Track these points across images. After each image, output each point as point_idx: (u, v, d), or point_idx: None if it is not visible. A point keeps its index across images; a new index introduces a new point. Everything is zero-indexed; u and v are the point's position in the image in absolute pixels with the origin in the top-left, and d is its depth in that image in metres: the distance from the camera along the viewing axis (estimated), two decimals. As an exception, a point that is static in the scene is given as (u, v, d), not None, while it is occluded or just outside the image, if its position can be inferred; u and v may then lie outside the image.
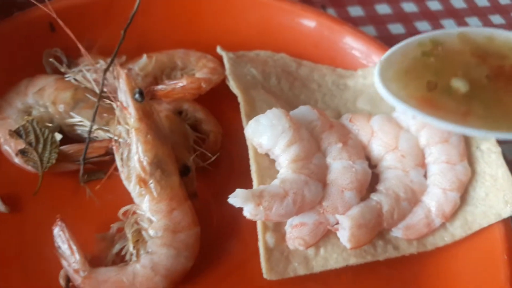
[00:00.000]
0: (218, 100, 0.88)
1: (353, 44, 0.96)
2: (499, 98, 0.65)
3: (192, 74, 0.87)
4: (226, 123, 0.87)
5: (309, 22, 0.99)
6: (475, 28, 0.71)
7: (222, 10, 0.99)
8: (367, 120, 0.78)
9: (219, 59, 0.90)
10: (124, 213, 0.71)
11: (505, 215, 0.73)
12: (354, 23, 1.15)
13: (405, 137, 0.76)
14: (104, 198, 0.75)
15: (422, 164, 0.76)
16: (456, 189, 0.74)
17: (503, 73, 0.66)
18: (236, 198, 0.64)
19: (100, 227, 0.72)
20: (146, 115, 0.70)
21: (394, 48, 0.68)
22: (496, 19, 1.26)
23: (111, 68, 0.77)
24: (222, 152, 0.83)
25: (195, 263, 0.70)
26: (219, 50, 0.89)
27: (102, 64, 0.83)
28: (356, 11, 1.21)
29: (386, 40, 1.09)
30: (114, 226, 0.70)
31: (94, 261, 0.69)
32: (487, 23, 1.24)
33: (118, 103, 0.71)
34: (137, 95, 0.69)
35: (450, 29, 0.72)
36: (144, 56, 0.85)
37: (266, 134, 0.71)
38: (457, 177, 0.74)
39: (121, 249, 0.70)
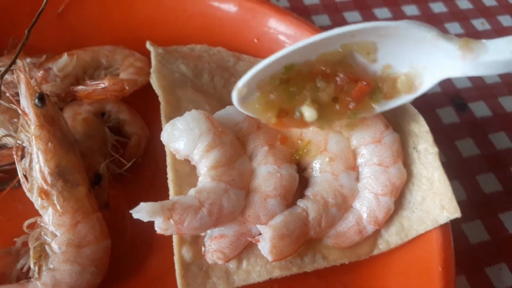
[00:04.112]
0: (148, 100, 0.82)
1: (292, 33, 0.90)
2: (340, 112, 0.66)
3: (117, 73, 0.81)
4: (156, 125, 0.80)
5: (251, 13, 0.93)
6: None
7: (158, 1, 0.93)
8: (297, 121, 0.73)
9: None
10: (31, 226, 0.66)
11: (442, 221, 0.68)
12: (307, 12, 1.09)
13: (335, 139, 0.70)
14: (14, 208, 0.71)
15: (353, 167, 0.71)
16: (389, 193, 0.69)
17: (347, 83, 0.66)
18: (141, 212, 0.59)
19: (8, 240, 0.68)
20: (49, 122, 0.65)
21: (252, 73, 0.67)
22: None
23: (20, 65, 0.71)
24: (147, 157, 0.78)
25: (105, 279, 0.65)
26: (148, 45, 0.84)
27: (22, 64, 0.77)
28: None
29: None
30: (19, 241, 0.66)
31: (-2, 277, 0.65)
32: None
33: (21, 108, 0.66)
34: (36, 100, 0.64)
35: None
36: (65, 55, 0.79)
37: (182, 138, 0.66)
38: (390, 181, 0.69)
39: (26, 264, 0.65)
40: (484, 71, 0.59)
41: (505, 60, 0.57)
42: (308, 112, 0.65)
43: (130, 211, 0.58)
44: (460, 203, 0.68)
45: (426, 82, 0.65)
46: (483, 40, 0.59)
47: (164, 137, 0.67)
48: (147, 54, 0.85)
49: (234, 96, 0.67)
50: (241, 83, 0.66)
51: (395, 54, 0.65)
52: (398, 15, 1.14)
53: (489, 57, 0.57)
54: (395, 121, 0.75)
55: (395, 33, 0.62)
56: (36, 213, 0.66)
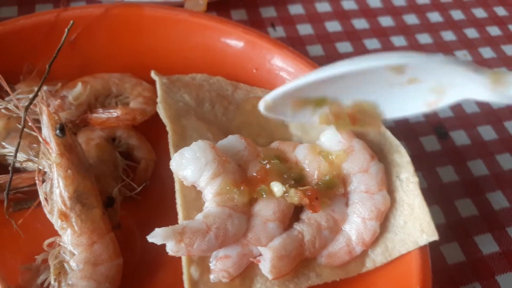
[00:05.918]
0: (155, 125, 0.88)
1: (291, 69, 0.98)
2: None
3: (126, 102, 0.88)
4: (162, 149, 0.86)
5: (252, 44, 1.00)
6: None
7: (163, 32, 1.00)
8: (293, 149, 0.80)
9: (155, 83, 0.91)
10: (50, 244, 0.73)
11: (422, 243, 0.76)
12: (302, 42, 1.17)
13: (326, 170, 0.77)
14: (33, 227, 0.76)
15: (344, 193, 0.78)
16: (375, 218, 0.76)
17: None
18: (156, 237, 0.65)
19: (28, 256, 0.74)
20: (68, 150, 0.71)
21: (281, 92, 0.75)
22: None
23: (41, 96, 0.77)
24: (154, 180, 0.85)
25: (117, 294, 0.72)
26: (153, 75, 0.89)
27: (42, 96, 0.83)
28: (305, 29, 1.22)
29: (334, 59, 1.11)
30: (39, 258, 0.72)
31: (19, 292, 0.70)
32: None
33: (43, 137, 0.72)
34: (57, 131, 0.70)
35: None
36: (79, 85, 0.85)
37: (190, 167, 0.73)
38: (376, 206, 0.76)
39: (46, 279, 0.71)
40: (509, 100, 0.63)
41: None
42: (277, 188, 0.73)
43: (147, 237, 0.64)
44: (439, 226, 0.76)
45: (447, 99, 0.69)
46: None
47: (173, 165, 0.74)
48: (151, 81, 0.91)
49: (261, 107, 0.77)
50: (270, 97, 0.76)
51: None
52: (387, 46, 1.22)
53: None
54: (380, 152, 0.83)
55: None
56: (53, 232, 0.72)
